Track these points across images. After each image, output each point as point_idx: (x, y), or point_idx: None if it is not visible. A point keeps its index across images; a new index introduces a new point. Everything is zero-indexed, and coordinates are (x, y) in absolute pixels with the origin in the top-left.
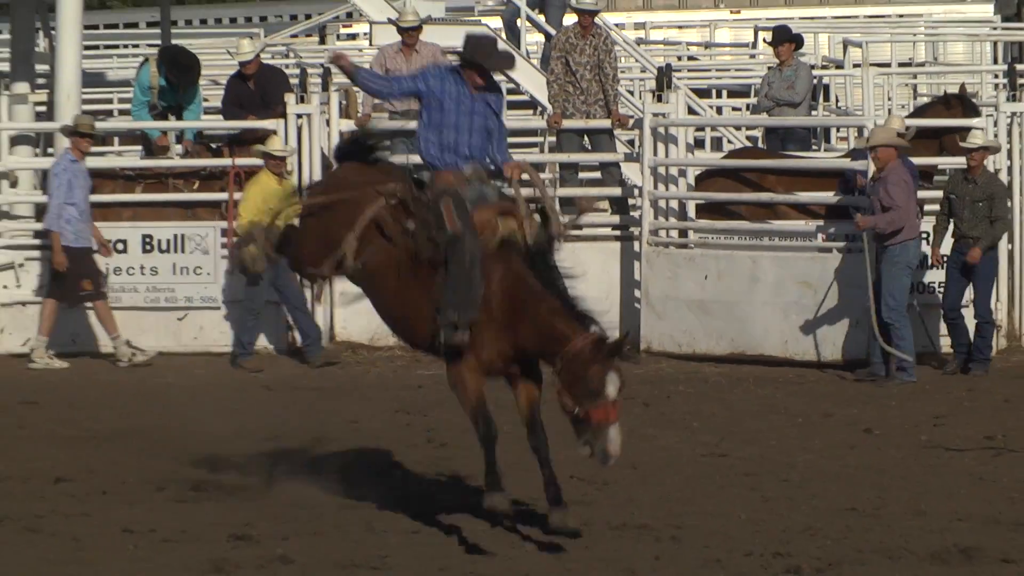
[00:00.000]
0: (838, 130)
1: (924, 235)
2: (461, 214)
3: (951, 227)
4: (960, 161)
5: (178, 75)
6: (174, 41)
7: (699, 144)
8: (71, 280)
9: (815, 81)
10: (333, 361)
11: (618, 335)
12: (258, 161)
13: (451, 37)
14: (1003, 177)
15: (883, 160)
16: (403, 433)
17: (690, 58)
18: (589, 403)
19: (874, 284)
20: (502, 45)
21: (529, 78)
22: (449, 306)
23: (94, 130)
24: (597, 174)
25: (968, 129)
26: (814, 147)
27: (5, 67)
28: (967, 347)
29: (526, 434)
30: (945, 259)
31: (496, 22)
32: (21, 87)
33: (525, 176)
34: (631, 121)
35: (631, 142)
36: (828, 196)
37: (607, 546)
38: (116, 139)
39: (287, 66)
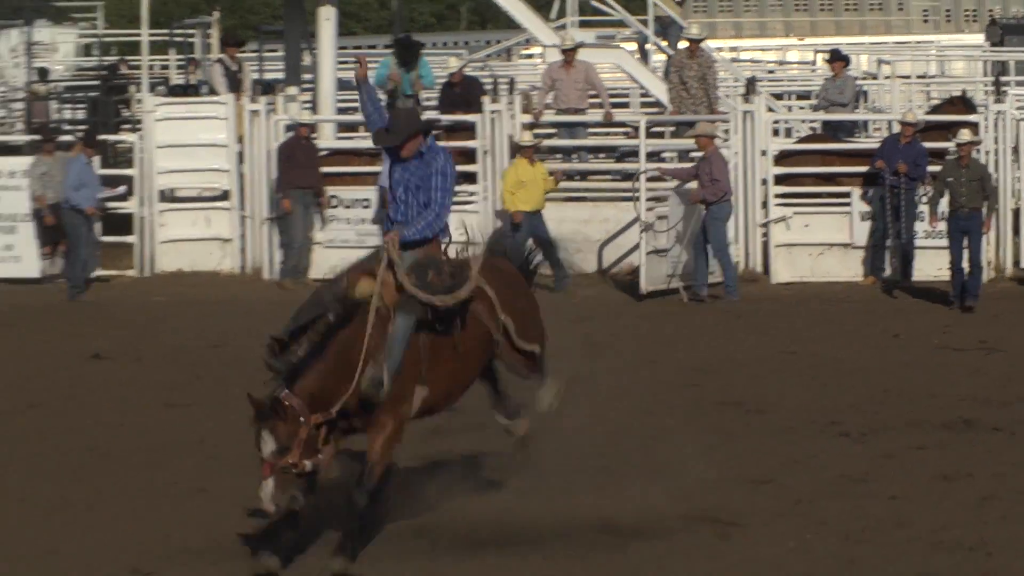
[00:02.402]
0: (874, 123)
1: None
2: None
3: (946, 200)
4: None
5: (406, 51)
6: None
7: (775, 133)
8: None
9: (857, 88)
10: None
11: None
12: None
13: (599, 57)
14: (990, 156)
15: (703, 146)
16: None
17: (769, 72)
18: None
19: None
20: (403, 115)
21: (655, 86)
22: None
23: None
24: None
25: (963, 126)
26: (857, 135)
27: (281, 75)
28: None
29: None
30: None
31: (632, 46)
32: (292, 90)
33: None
34: (727, 115)
35: (726, 131)
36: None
37: (710, 419)
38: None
39: (483, 78)
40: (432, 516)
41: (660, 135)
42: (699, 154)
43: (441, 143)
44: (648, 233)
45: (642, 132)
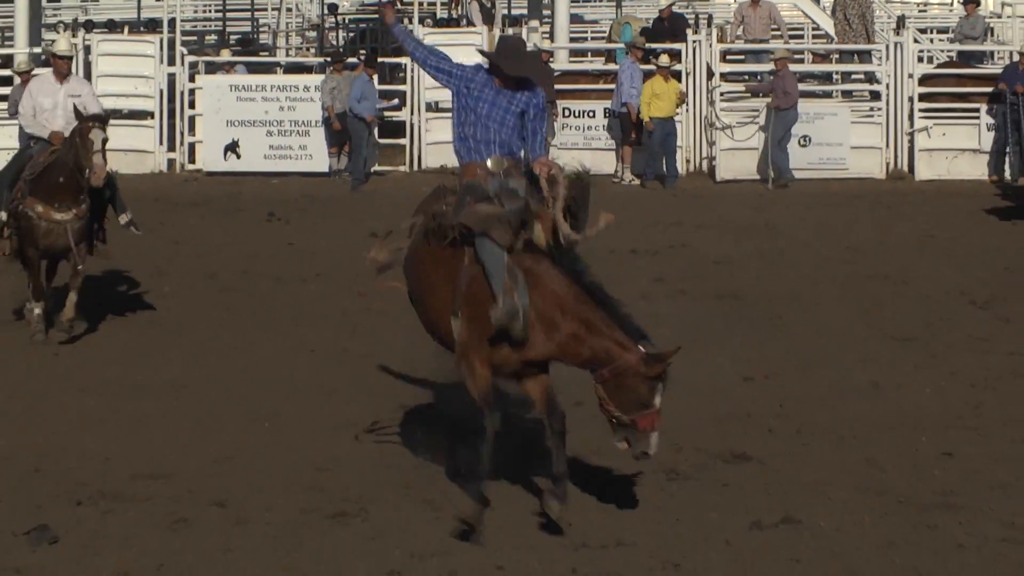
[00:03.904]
0: (998, 53)
1: None
2: (464, 206)
3: None
4: None
5: None
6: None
7: (920, 60)
8: None
9: (986, 25)
10: None
11: (663, 351)
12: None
13: None
14: None
15: (780, 67)
16: None
17: (916, 10)
18: (636, 413)
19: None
20: (528, 49)
21: (825, 21)
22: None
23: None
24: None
25: None
26: (985, 63)
27: (525, 11)
28: None
29: (545, 417)
30: None
31: None
32: (534, 22)
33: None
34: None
35: (879, 58)
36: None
37: (864, 288)
38: None
39: (687, 14)
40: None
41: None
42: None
43: (646, 66)
44: (725, 132)
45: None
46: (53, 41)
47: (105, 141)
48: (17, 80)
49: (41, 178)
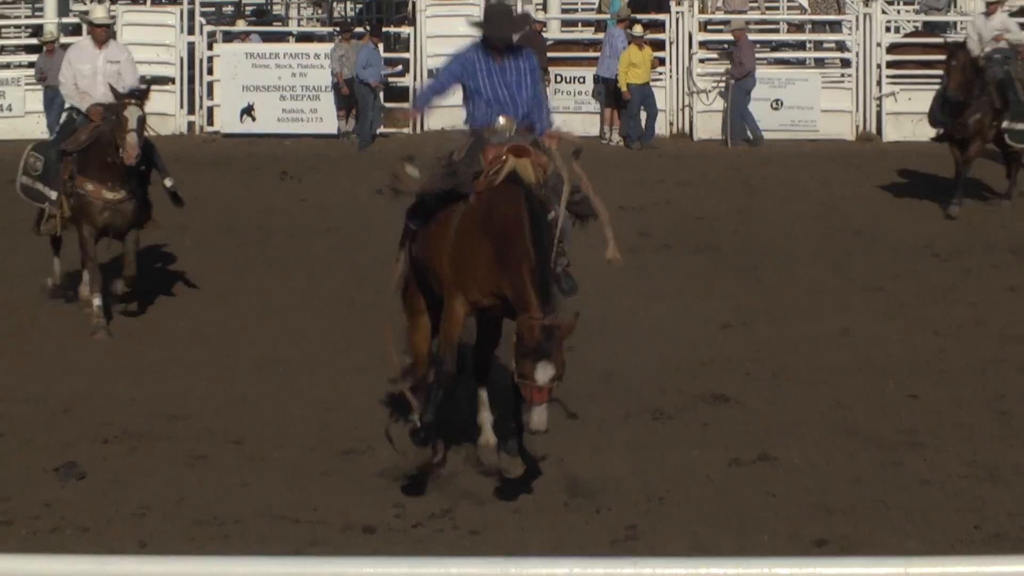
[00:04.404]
0: (961, 24)
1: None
2: (471, 152)
3: None
4: None
5: None
6: None
7: (887, 30)
8: None
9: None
10: None
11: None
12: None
13: None
14: None
15: (737, 37)
16: None
17: None
18: (521, 380)
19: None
20: (515, 12)
21: None
22: None
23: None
24: None
25: None
26: (948, 33)
27: None
28: None
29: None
30: None
31: None
32: None
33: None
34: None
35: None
36: None
37: (835, 242)
38: None
39: None
40: None
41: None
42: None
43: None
44: (700, 96)
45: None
46: (88, 11)
47: (142, 119)
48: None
49: (88, 157)
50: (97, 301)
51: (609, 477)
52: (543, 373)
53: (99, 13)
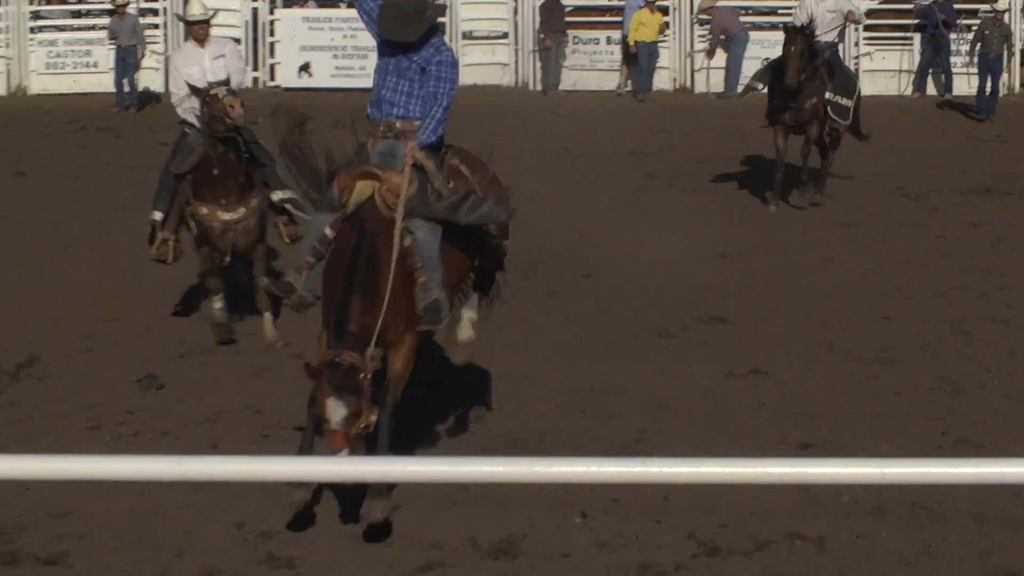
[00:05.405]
0: None
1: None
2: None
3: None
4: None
5: None
6: None
7: None
8: None
9: None
10: None
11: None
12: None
13: None
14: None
15: (710, 14)
16: None
17: None
18: (321, 421)
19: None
20: (413, 11)
21: None
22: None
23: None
24: None
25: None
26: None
27: None
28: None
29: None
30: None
31: None
32: None
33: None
34: None
35: None
36: None
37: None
38: None
39: None
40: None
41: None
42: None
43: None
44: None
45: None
46: (184, 11)
47: (231, 92)
48: (117, 12)
49: (198, 177)
50: (218, 303)
51: (620, 388)
52: (335, 413)
53: (195, 9)
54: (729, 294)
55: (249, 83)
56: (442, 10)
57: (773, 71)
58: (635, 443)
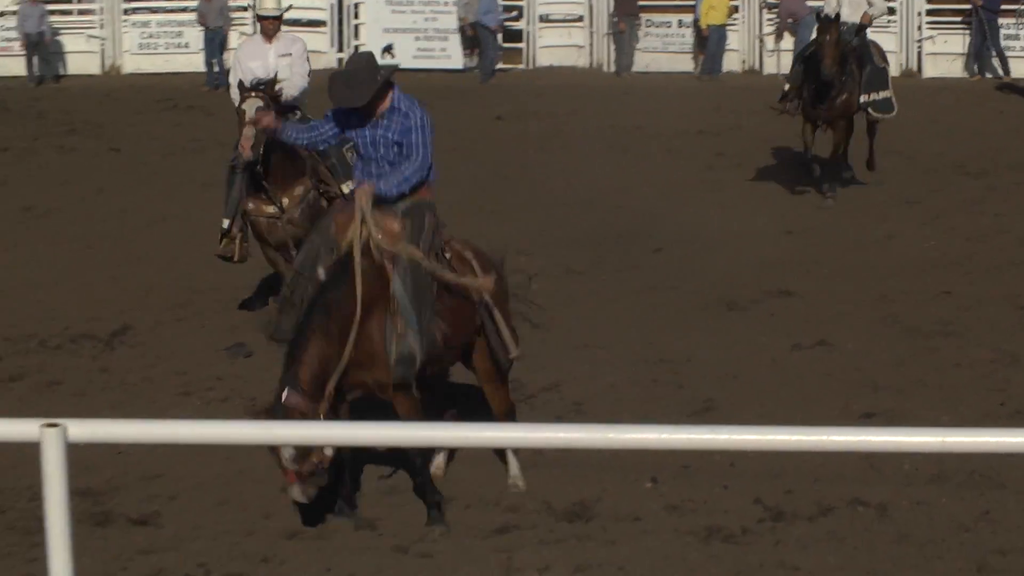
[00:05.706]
0: None
1: None
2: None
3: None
4: None
5: None
6: None
7: None
8: None
9: None
10: None
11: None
12: None
13: None
14: None
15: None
16: None
17: None
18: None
19: None
20: (368, 69)
21: None
22: None
23: None
24: None
25: None
26: None
27: None
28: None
29: None
30: None
31: None
32: None
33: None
34: None
35: None
36: None
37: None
38: None
39: None
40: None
41: None
42: None
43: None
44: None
45: None
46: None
47: (260, 109)
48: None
49: (250, 173)
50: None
51: (690, 358)
52: (284, 451)
53: (268, 4)
54: (795, 269)
55: (305, 85)
56: (392, 71)
57: (805, 63)
58: (704, 411)
